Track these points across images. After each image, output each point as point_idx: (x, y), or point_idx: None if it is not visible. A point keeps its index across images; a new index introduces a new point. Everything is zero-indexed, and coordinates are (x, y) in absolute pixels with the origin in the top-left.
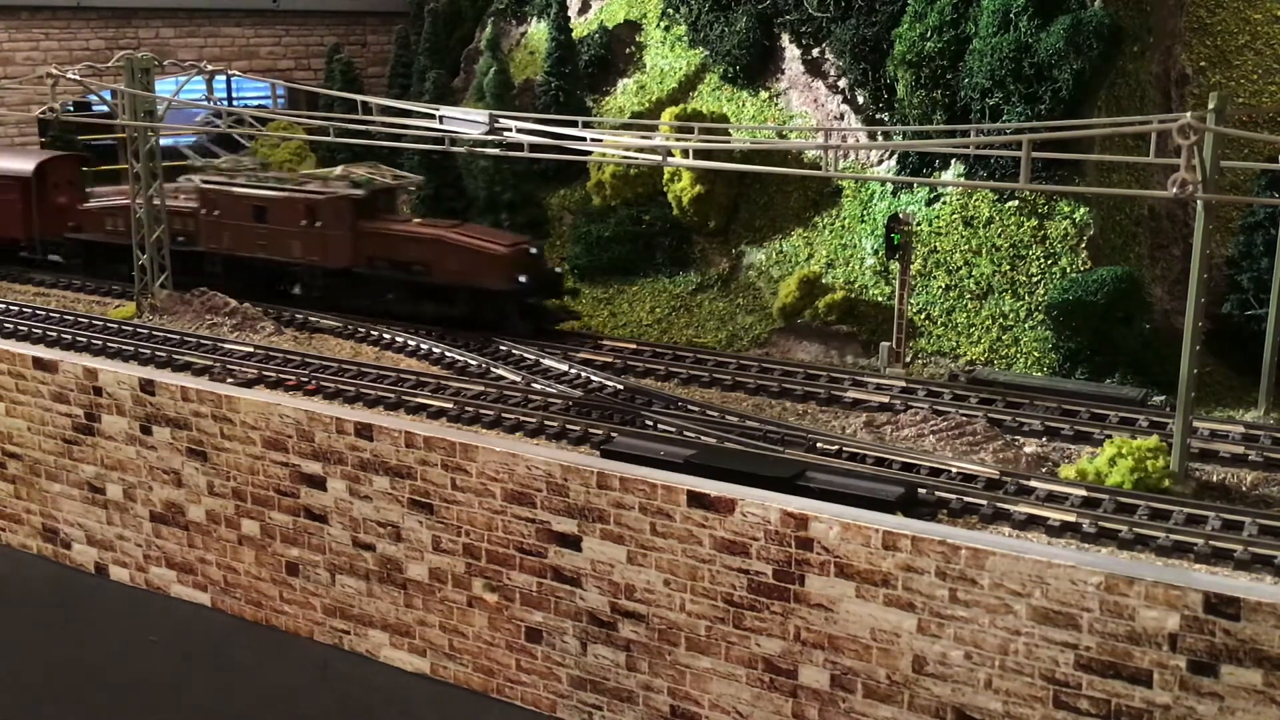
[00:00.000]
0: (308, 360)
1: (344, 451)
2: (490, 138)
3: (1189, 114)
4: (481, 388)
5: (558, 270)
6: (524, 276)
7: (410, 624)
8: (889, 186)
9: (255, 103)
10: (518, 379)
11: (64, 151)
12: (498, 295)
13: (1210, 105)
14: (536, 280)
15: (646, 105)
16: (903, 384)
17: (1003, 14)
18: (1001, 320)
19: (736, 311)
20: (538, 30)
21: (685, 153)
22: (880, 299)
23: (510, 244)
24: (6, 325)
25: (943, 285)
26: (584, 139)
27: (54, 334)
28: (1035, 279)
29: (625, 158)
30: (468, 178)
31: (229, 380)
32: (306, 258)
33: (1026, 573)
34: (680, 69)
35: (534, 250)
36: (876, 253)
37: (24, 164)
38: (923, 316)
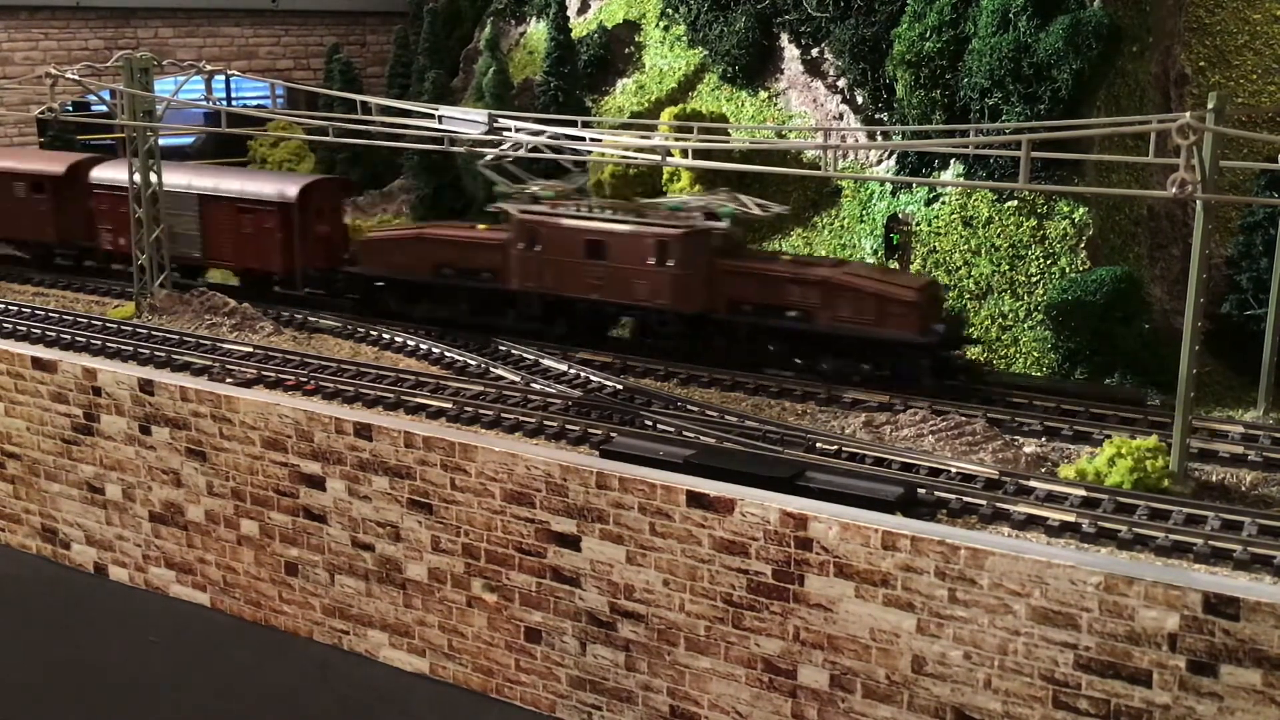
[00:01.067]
0: (307, 360)
1: (343, 451)
2: (490, 137)
3: (1188, 114)
4: (481, 388)
5: (959, 313)
6: (940, 325)
7: (409, 624)
8: (888, 186)
9: (254, 103)
10: (517, 379)
11: (328, 175)
12: (906, 347)
13: (1209, 105)
14: (951, 329)
15: (646, 105)
16: None
17: (1002, 14)
18: (1001, 320)
19: None
20: (537, 30)
21: (685, 153)
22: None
23: (919, 285)
24: (6, 325)
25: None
26: (583, 139)
27: (53, 334)
28: (1034, 279)
29: (625, 158)
30: (467, 178)
31: (228, 380)
32: (653, 301)
33: (1026, 573)
34: (679, 69)
35: (944, 293)
36: (876, 253)
37: (286, 187)
38: None
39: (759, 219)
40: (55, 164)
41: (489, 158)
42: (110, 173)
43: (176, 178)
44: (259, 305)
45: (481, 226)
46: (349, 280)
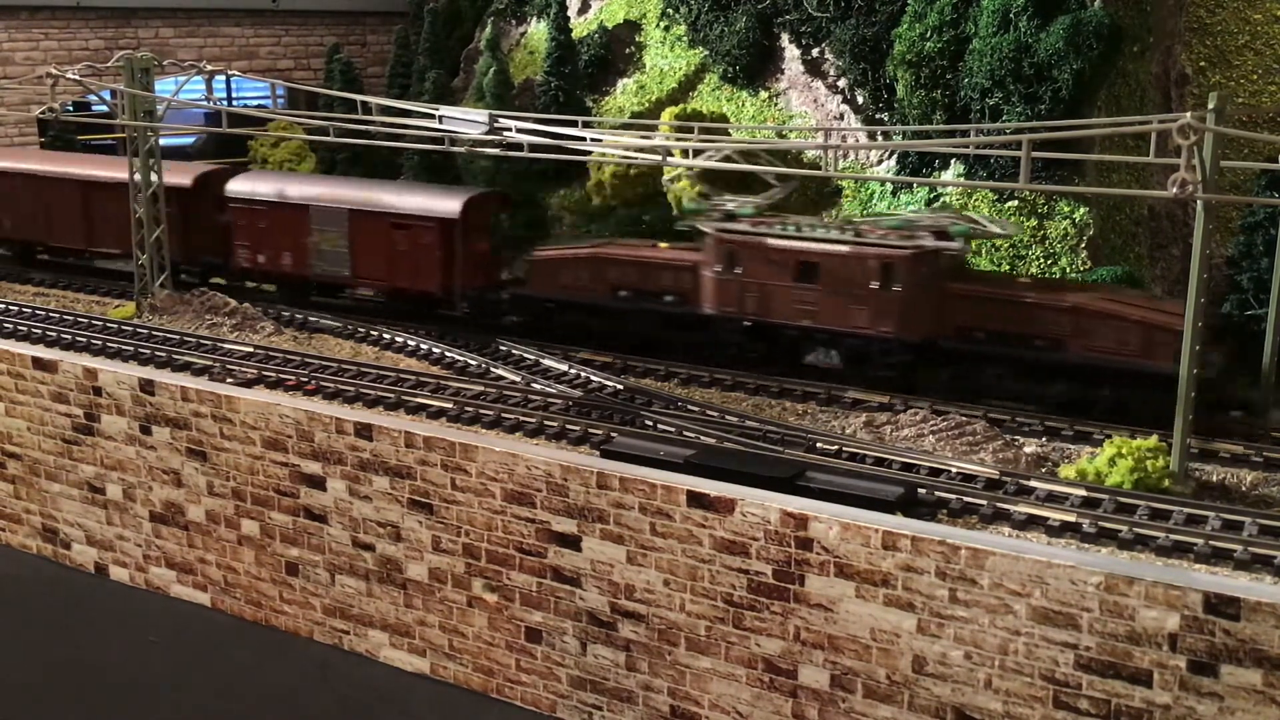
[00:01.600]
0: (307, 360)
1: (344, 451)
2: (490, 138)
3: (1189, 114)
4: (481, 388)
5: (1232, 344)
6: (1215, 356)
7: (410, 624)
8: (889, 186)
9: (255, 103)
10: (518, 379)
11: (488, 189)
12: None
13: (1210, 105)
14: (1228, 360)
15: (646, 105)
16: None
17: (1002, 14)
18: None
19: None
20: (537, 30)
21: (685, 153)
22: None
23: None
24: (6, 325)
25: None
26: (584, 139)
27: (54, 334)
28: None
29: (625, 158)
30: (467, 178)
31: (229, 380)
32: (874, 328)
33: (1026, 573)
34: (680, 69)
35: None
36: None
37: (448, 202)
38: None
39: (996, 237)
40: (181, 176)
41: (675, 174)
42: (250, 185)
43: (324, 190)
44: (258, 305)
45: (663, 245)
46: (515, 301)
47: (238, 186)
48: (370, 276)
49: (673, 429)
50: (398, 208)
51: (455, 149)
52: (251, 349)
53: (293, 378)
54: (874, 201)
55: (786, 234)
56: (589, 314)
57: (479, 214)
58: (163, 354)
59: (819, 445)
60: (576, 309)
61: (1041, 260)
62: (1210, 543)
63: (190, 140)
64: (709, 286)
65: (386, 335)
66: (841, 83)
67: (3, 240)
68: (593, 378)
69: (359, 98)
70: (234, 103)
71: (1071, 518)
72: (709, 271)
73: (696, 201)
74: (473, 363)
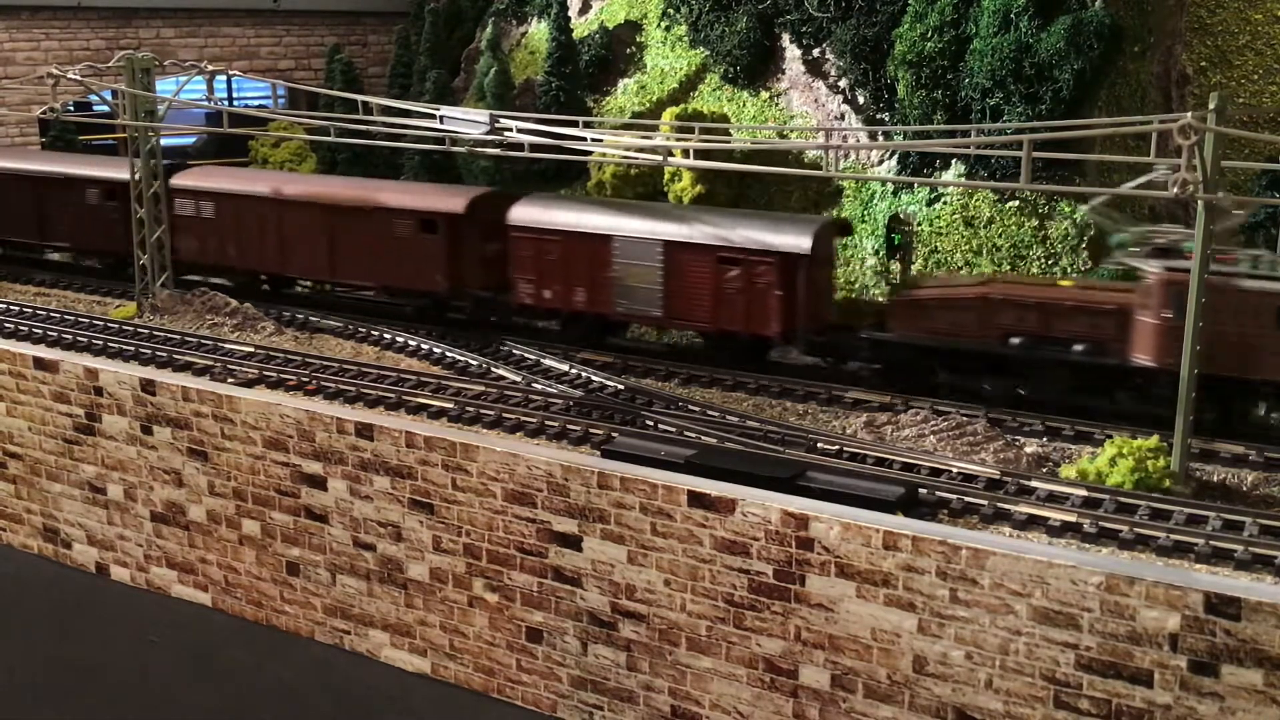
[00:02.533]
0: (308, 360)
1: (344, 451)
2: (491, 138)
3: (1189, 114)
4: (482, 388)
5: None
6: None
7: (411, 624)
8: (889, 186)
9: (255, 103)
10: (518, 379)
11: (830, 218)
12: None
13: (1211, 105)
14: None
15: (647, 105)
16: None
17: (1003, 14)
18: None
19: None
20: (538, 30)
21: (685, 153)
22: (881, 299)
23: None
24: (7, 325)
25: None
26: (584, 139)
27: (54, 334)
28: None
29: (625, 158)
30: (468, 178)
31: (229, 380)
32: None
33: (1027, 573)
34: (681, 69)
35: None
36: (877, 253)
37: (791, 236)
38: None
39: None
40: (452, 199)
41: (1093, 206)
42: (538, 212)
43: (631, 219)
44: (259, 305)
45: (1065, 282)
46: (875, 346)
47: (523, 213)
48: (689, 317)
49: (673, 429)
50: (729, 240)
51: (456, 149)
52: (252, 349)
53: (294, 378)
54: (875, 201)
55: (1262, 273)
56: (971, 362)
57: (826, 246)
58: (164, 354)
59: (820, 445)
60: (954, 356)
61: (1042, 260)
62: (1211, 543)
63: (191, 140)
64: (1148, 334)
65: (387, 335)
66: (842, 83)
67: (225, 269)
68: (593, 378)
69: (360, 98)
70: (235, 103)
71: (1072, 518)
72: (1149, 317)
73: (1128, 231)
74: (473, 363)
